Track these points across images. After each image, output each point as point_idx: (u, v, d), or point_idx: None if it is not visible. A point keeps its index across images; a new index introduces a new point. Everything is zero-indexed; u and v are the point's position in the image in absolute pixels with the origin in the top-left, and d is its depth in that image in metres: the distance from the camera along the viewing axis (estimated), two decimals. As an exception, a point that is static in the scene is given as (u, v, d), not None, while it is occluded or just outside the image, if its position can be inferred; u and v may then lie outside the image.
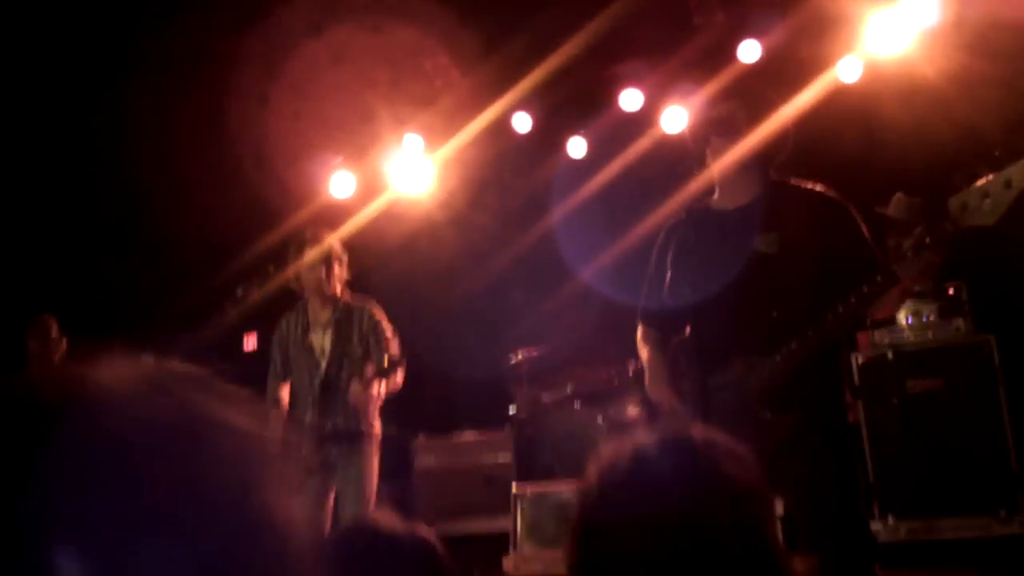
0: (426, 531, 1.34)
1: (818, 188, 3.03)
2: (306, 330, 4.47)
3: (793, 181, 3.07)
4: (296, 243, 4.51)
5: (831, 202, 2.98)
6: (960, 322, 5.09)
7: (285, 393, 4.50)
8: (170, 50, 6.09)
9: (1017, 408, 4.85)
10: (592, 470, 1.23)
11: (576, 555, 1.22)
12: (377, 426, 4.41)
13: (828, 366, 2.88)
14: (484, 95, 6.50)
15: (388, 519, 1.34)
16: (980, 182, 2.52)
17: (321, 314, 4.45)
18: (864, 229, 2.96)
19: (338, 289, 4.47)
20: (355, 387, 4.08)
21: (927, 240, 2.60)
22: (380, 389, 4.18)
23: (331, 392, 4.26)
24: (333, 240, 4.56)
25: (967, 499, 4.80)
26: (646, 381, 3.16)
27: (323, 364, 4.36)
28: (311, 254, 4.43)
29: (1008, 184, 2.47)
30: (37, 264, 6.86)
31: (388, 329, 4.40)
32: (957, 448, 4.87)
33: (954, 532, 4.81)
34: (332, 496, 4.30)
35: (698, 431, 1.24)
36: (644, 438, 1.23)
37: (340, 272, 4.47)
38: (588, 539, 1.21)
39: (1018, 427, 4.82)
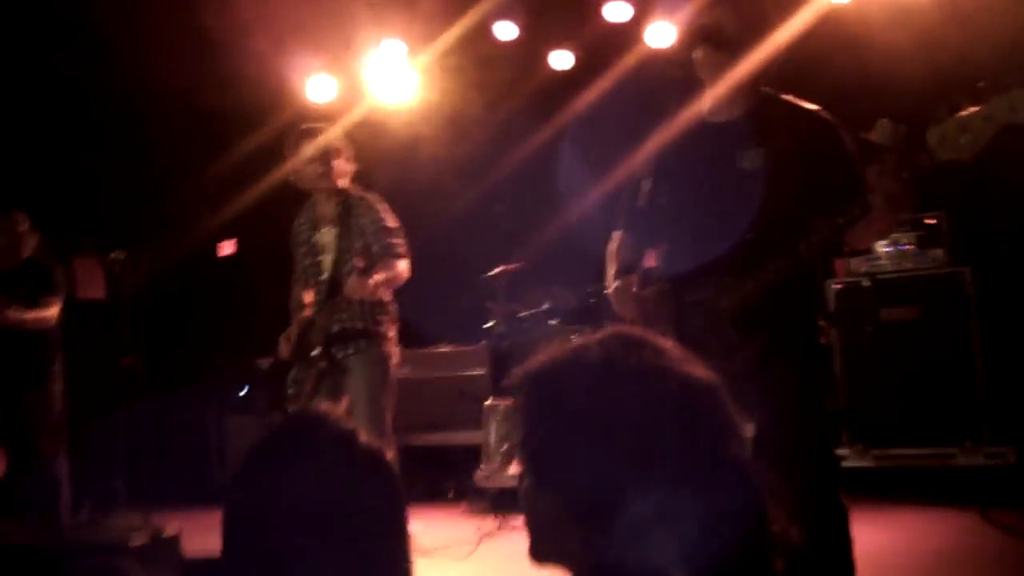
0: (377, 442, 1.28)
1: (811, 107, 2.93)
2: (313, 228, 4.39)
3: (786, 97, 2.98)
4: (292, 137, 4.40)
5: (822, 123, 2.89)
6: (938, 252, 5.08)
7: (309, 295, 4.39)
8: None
9: (988, 341, 4.89)
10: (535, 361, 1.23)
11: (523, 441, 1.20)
12: (388, 326, 4.33)
13: (800, 290, 2.84)
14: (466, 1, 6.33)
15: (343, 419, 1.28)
16: (961, 114, 2.45)
17: (326, 209, 4.35)
18: (852, 154, 2.87)
19: (342, 182, 4.35)
20: (350, 282, 4.00)
21: (901, 170, 2.55)
22: (379, 279, 4.07)
23: (335, 290, 4.18)
24: (331, 132, 4.42)
25: (935, 429, 4.87)
26: (611, 297, 3.12)
27: (327, 261, 4.29)
28: (307, 147, 4.31)
29: (988, 119, 2.40)
30: (9, 159, 6.73)
31: (390, 219, 4.31)
32: (927, 378, 4.92)
33: (920, 461, 4.90)
34: (345, 401, 4.22)
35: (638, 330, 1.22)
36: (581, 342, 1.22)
37: (342, 165, 4.34)
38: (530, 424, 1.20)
39: (988, 360, 4.86)
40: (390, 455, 3.99)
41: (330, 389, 4.21)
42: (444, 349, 6.63)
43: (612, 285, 3.12)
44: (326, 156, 4.29)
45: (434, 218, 6.90)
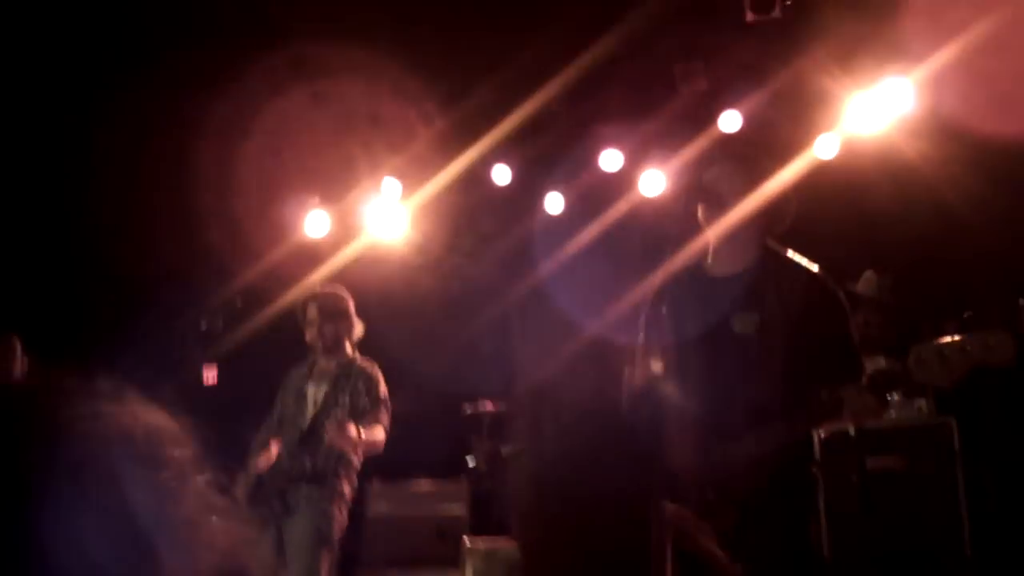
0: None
1: (813, 269, 2.95)
2: (306, 380, 4.43)
3: (789, 254, 2.99)
4: (302, 300, 4.49)
5: (823, 290, 2.90)
6: (922, 403, 5.11)
7: (274, 444, 4.39)
8: (150, 86, 6.07)
9: (974, 492, 4.86)
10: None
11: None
12: (346, 482, 4.31)
13: (789, 453, 2.82)
14: (462, 143, 6.53)
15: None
16: (942, 342, 2.51)
17: (324, 367, 4.41)
18: (850, 325, 2.91)
19: (343, 345, 4.41)
20: (332, 427, 4.01)
21: (866, 383, 2.62)
22: (361, 436, 4.09)
23: (310, 439, 4.19)
24: (335, 294, 4.50)
25: (921, 581, 4.78)
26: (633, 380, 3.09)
27: (310, 413, 4.30)
28: (311, 308, 4.40)
29: (965, 353, 2.46)
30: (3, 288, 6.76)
31: (384, 392, 4.35)
32: (913, 529, 4.86)
33: (908, 615, 4.79)
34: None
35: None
36: None
37: (343, 328, 4.41)
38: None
39: (974, 511, 4.82)
40: None
41: (275, 533, 4.15)
42: (423, 488, 6.53)
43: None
44: (329, 318, 4.37)
45: (423, 352, 6.92)
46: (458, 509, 6.31)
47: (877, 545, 4.90)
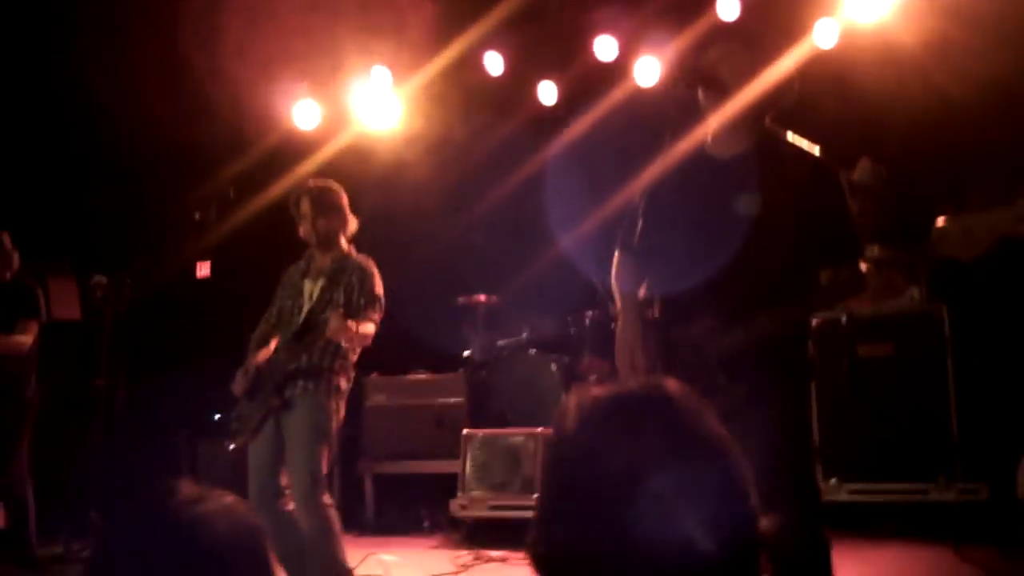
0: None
1: (813, 151, 2.95)
2: (304, 276, 4.41)
3: (789, 137, 2.98)
4: (295, 194, 4.42)
5: (823, 172, 2.87)
6: (914, 290, 5.14)
7: (272, 339, 4.41)
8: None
9: (962, 378, 4.95)
10: (568, 412, 1.20)
11: (547, 500, 1.20)
12: (343, 377, 4.34)
13: (790, 338, 2.85)
14: (455, 29, 6.39)
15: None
16: (966, 216, 2.47)
17: (321, 263, 4.39)
18: (848, 207, 2.89)
19: (338, 239, 4.38)
20: (331, 320, 4.01)
21: (901, 257, 2.60)
22: (357, 328, 4.10)
23: (306, 333, 4.18)
24: (328, 187, 4.45)
25: (908, 465, 4.90)
26: (617, 331, 3.08)
27: (306, 307, 4.30)
28: (304, 202, 4.34)
29: (992, 227, 2.41)
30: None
31: (379, 288, 4.33)
32: (902, 414, 4.96)
33: (894, 496, 4.93)
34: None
35: (675, 385, 1.22)
36: (622, 386, 1.21)
37: (337, 223, 4.37)
38: (560, 486, 1.19)
39: (962, 397, 4.92)
40: (326, 499, 3.88)
41: (273, 427, 4.21)
42: (421, 376, 6.60)
43: (620, 320, 3.09)
44: (320, 212, 4.32)
45: (415, 244, 6.92)
46: (456, 399, 6.40)
47: (866, 431, 5.02)
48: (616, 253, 3.21)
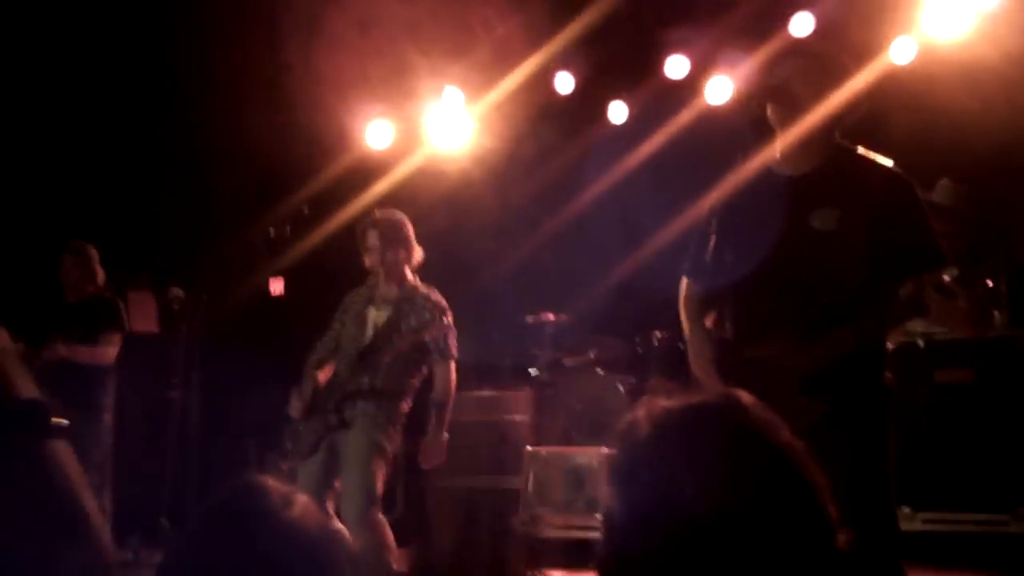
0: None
1: (888, 164, 2.84)
2: (368, 303, 4.43)
3: (861, 151, 2.88)
4: (361, 225, 4.47)
5: (898, 181, 2.79)
6: (996, 315, 4.97)
7: (329, 364, 4.45)
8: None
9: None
10: (638, 422, 1.18)
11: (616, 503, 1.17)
12: (404, 401, 4.34)
13: (869, 358, 2.77)
14: (526, 51, 6.42)
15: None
16: None
17: (387, 292, 4.39)
18: (927, 215, 2.79)
19: (404, 271, 4.40)
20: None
21: (983, 280, 2.51)
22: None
23: (370, 357, 4.20)
24: (395, 220, 4.47)
25: (987, 495, 4.74)
26: (689, 354, 3.05)
27: (369, 335, 4.31)
28: (371, 234, 4.37)
29: None
30: (76, 194, 6.91)
31: (448, 318, 4.34)
32: (981, 442, 4.80)
33: (971, 527, 4.76)
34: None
35: (749, 399, 1.19)
36: (693, 398, 1.19)
37: (403, 254, 4.39)
38: (630, 498, 1.16)
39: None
40: (380, 517, 3.90)
41: (327, 451, 4.20)
42: (487, 393, 6.60)
43: (691, 348, 3.06)
44: (388, 242, 4.34)
45: (484, 262, 6.94)
46: (521, 416, 6.37)
47: (943, 459, 4.86)
48: (683, 279, 3.18)
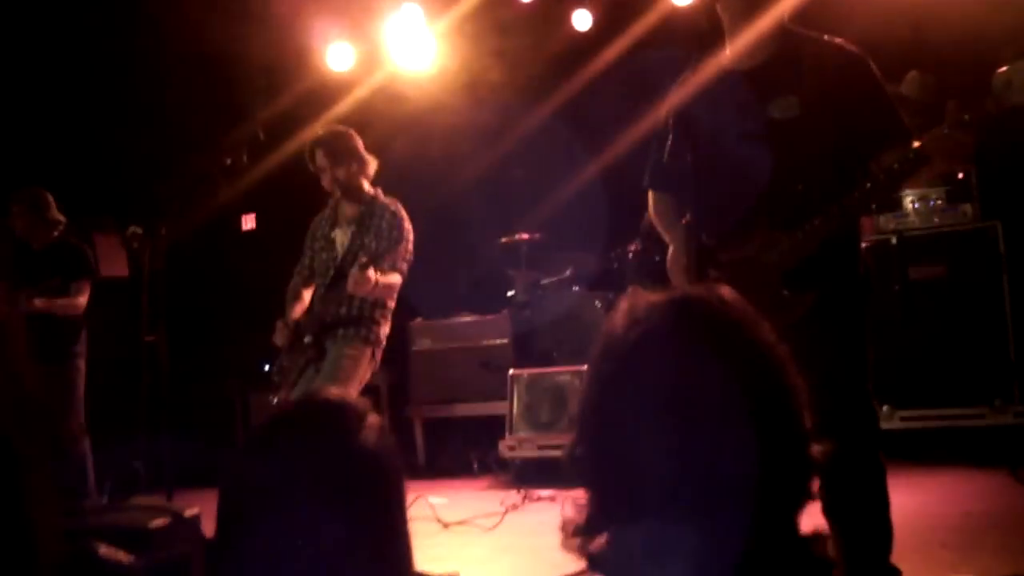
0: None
1: (839, 42, 2.78)
2: (333, 225, 4.38)
3: (811, 34, 2.82)
4: (309, 144, 4.36)
5: (852, 58, 2.74)
6: (967, 208, 4.93)
7: (307, 292, 4.41)
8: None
9: (1019, 297, 4.75)
10: (620, 313, 1.17)
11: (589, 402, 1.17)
12: (382, 325, 4.30)
13: (849, 242, 2.75)
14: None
15: None
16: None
17: (347, 210, 4.35)
18: (886, 90, 2.74)
19: (360, 184, 4.32)
20: (352, 275, 3.97)
21: (965, 117, 2.43)
22: (381, 279, 4.05)
23: (340, 283, 4.16)
24: (338, 134, 4.37)
25: (963, 388, 4.74)
26: (668, 263, 3.00)
27: (338, 258, 4.27)
28: (318, 154, 4.28)
29: None
30: (28, 134, 6.74)
31: (407, 231, 4.27)
32: (956, 336, 4.80)
33: (949, 422, 4.78)
34: None
35: (731, 293, 1.18)
36: (675, 292, 1.18)
37: (355, 168, 4.30)
38: (603, 385, 1.16)
39: (1018, 317, 4.72)
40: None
41: (313, 379, 4.19)
42: (465, 319, 6.57)
43: (670, 251, 3.00)
44: (338, 160, 4.25)
45: (454, 185, 6.83)
46: (501, 340, 6.36)
47: (919, 355, 4.86)
48: (649, 192, 3.12)
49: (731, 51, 2.84)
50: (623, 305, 1.18)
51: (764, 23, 2.75)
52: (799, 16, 2.87)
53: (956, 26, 5.30)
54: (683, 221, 2.93)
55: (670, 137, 2.92)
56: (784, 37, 2.79)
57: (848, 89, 2.66)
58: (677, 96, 2.96)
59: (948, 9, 5.27)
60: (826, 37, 2.79)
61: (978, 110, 2.41)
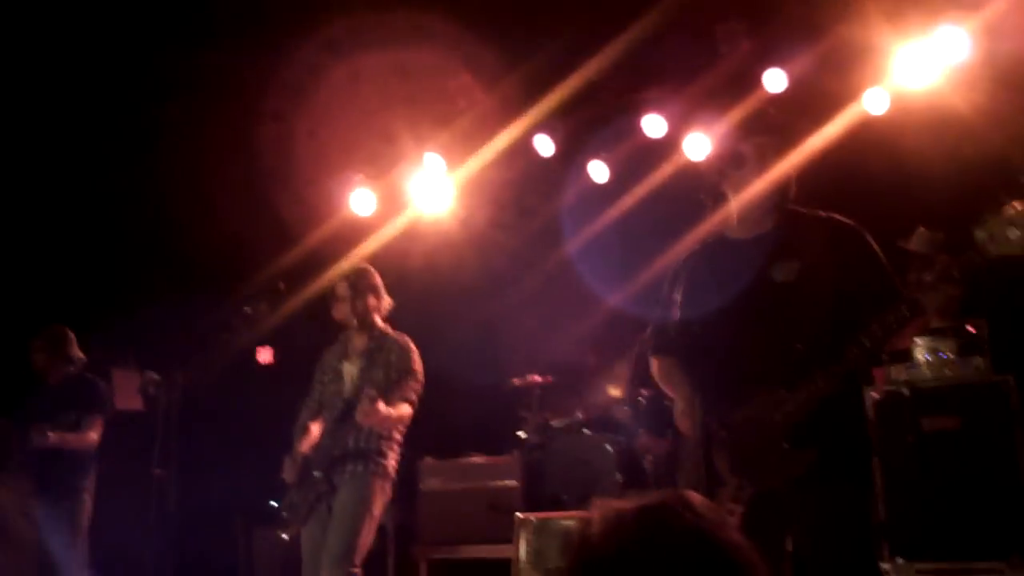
0: None
1: (833, 216, 2.99)
2: (343, 358, 4.47)
3: (807, 211, 3.03)
4: (337, 278, 4.52)
5: (847, 229, 2.93)
6: (979, 360, 4.97)
7: (316, 425, 4.44)
8: (201, 70, 6.14)
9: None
10: (592, 523, 1.25)
11: None
12: (390, 458, 4.32)
13: (850, 400, 2.82)
14: (505, 115, 6.49)
15: None
16: (1007, 210, 2.47)
17: (358, 343, 4.44)
18: (880, 256, 2.91)
19: (374, 319, 4.44)
20: (361, 406, 4.01)
21: (952, 271, 2.54)
22: (390, 411, 4.09)
23: (350, 416, 4.20)
24: (362, 270, 4.52)
25: (979, 543, 4.67)
26: (676, 419, 3.07)
27: (348, 390, 4.33)
28: (340, 285, 4.42)
29: None
30: (56, 274, 6.91)
31: (417, 365, 4.35)
32: (971, 490, 4.75)
33: (965, 575, 4.68)
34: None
35: (697, 498, 1.26)
36: (644, 500, 1.26)
37: (373, 302, 4.44)
38: None
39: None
40: (358, 571, 3.77)
41: (325, 514, 4.18)
42: (475, 460, 6.53)
43: (678, 408, 3.07)
44: (356, 292, 4.39)
45: (469, 326, 6.92)
46: (510, 482, 6.29)
47: (934, 507, 4.80)
48: (653, 360, 3.22)
49: (736, 221, 3.02)
50: (595, 514, 1.25)
51: (767, 199, 2.96)
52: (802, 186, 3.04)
53: (955, 185, 5.48)
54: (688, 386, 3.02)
55: (674, 306, 3.04)
56: (785, 213, 3.00)
57: (845, 255, 2.84)
58: (680, 264, 3.11)
59: (947, 169, 5.44)
60: (822, 213, 3.00)
61: (964, 264, 2.51)
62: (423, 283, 6.97)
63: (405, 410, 4.23)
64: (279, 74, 6.27)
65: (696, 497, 1.24)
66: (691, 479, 2.85)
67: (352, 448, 4.22)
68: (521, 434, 6.48)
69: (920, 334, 3.95)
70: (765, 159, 2.93)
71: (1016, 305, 5.05)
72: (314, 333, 6.85)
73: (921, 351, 5.04)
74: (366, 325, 4.41)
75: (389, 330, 4.46)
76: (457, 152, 6.90)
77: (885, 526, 4.79)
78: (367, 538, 4.14)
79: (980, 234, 2.49)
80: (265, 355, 7.70)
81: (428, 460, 6.54)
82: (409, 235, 7.05)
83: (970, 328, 5.01)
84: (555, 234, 6.81)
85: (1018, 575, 4.53)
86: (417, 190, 7.05)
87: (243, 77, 6.19)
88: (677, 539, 1.18)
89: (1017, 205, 2.47)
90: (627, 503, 1.24)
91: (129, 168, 6.75)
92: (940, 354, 5.02)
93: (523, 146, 6.78)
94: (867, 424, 2.92)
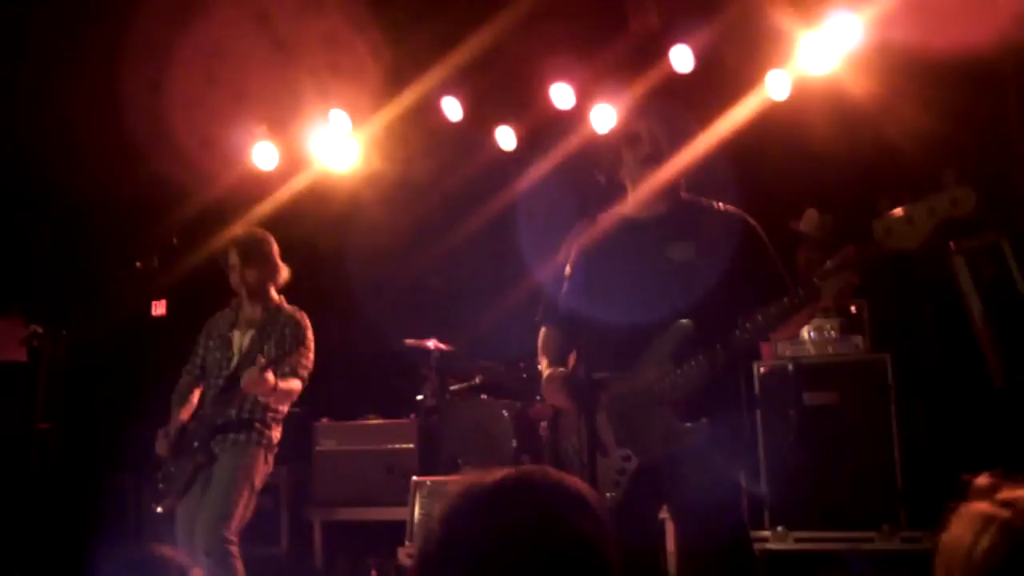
0: None
1: (729, 208, 3.10)
2: (232, 326, 4.35)
3: (703, 200, 3.13)
4: (223, 244, 4.39)
5: (739, 218, 3.06)
6: (859, 339, 5.20)
7: (195, 392, 4.35)
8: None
9: (906, 426, 4.98)
10: (438, 513, 1.27)
11: None
12: (274, 430, 4.26)
13: (737, 375, 2.94)
14: (412, 73, 6.41)
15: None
16: (906, 207, 2.63)
17: (250, 313, 4.34)
18: (770, 247, 3.05)
19: (268, 291, 4.33)
20: (248, 374, 3.95)
21: (853, 260, 2.66)
22: (278, 383, 4.02)
23: (234, 386, 4.12)
24: (254, 238, 4.40)
25: (854, 512, 4.91)
26: (542, 387, 3.14)
27: (235, 361, 4.23)
28: (231, 253, 4.30)
29: (932, 212, 2.59)
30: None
31: (310, 341, 4.28)
32: (847, 462, 4.99)
33: (840, 544, 4.92)
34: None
35: (548, 474, 1.28)
36: (490, 480, 1.27)
37: (264, 274, 4.32)
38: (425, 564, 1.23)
39: (906, 445, 4.94)
40: (232, 538, 3.73)
41: (202, 486, 4.12)
42: (372, 421, 6.53)
43: (545, 374, 3.14)
44: (249, 263, 4.28)
45: (371, 286, 6.89)
46: (407, 445, 6.33)
47: (812, 479, 5.02)
48: (541, 329, 3.27)
49: (632, 202, 3.11)
50: (457, 486, 1.28)
51: (663, 180, 3.04)
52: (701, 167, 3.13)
53: (847, 169, 5.68)
54: (572, 355, 3.09)
55: (568, 280, 3.09)
56: (679, 199, 3.11)
57: (736, 242, 2.96)
58: (578, 241, 3.15)
59: (840, 153, 5.63)
60: (723, 204, 3.12)
61: (864, 254, 2.65)
62: (327, 241, 6.90)
63: (295, 384, 4.17)
64: (175, 16, 6.05)
65: (555, 475, 1.26)
66: (574, 448, 2.94)
67: (235, 418, 4.15)
68: (419, 397, 6.51)
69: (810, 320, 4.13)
70: (659, 144, 3.02)
71: (895, 288, 5.28)
72: (210, 289, 6.74)
73: (806, 329, 5.24)
74: (257, 296, 4.31)
75: (284, 303, 4.36)
76: (362, 109, 6.80)
77: (766, 496, 4.99)
78: (245, 509, 4.07)
79: (879, 227, 2.63)
80: (159, 308, 7.51)
81: (324, 421, 6.52)
82: (313, 192, 6.94)
83: (852, 309, 5.24)
84: (463, 198, 6.80)
85: (887, 544, 4.79)
86: (321, 146, 6.94)
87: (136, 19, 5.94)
88: (520, 522, 1.19)
89: (915, 203, 2.62)
90: (488, 477, 1.26)
91: (16, 110, 6.46)
92: (824, 332, 5.24)
93: (430, 106, 6.73)
94: (753, 398, 3.04)
